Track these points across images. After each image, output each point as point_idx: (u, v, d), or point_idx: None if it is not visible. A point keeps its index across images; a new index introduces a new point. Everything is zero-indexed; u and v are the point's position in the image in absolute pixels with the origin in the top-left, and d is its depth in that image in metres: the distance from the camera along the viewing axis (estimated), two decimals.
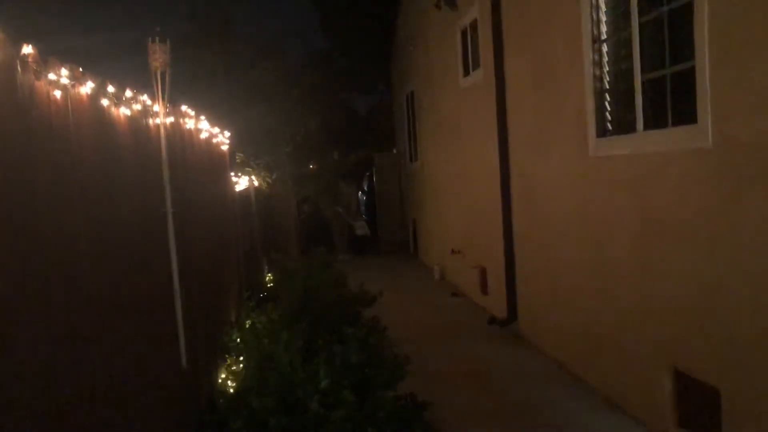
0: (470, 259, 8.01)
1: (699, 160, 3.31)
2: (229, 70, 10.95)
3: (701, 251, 3.33)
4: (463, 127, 8.07)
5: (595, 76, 4.43)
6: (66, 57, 2.16)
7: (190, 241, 3.99)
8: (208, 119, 5.02)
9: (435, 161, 10.23)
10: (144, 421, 2.67)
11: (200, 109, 4.70)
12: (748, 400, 3.04)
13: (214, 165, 5.64)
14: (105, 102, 2.44)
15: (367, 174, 15.26)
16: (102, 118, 2.46)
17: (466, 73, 7.85)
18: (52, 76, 1.91)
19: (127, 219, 2.74)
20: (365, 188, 15.68)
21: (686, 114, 3.43)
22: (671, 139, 3.58)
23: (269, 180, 11.17)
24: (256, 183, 10.84)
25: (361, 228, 13.72)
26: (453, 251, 8.88)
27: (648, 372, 3.90)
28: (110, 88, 2.49)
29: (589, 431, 4.03)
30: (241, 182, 8.72)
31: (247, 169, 10.45)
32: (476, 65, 7.34)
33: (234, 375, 4.75)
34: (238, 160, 10.37)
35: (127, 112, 2.71)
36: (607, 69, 4.39)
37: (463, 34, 7.87)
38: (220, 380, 4.67)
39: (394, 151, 14.63)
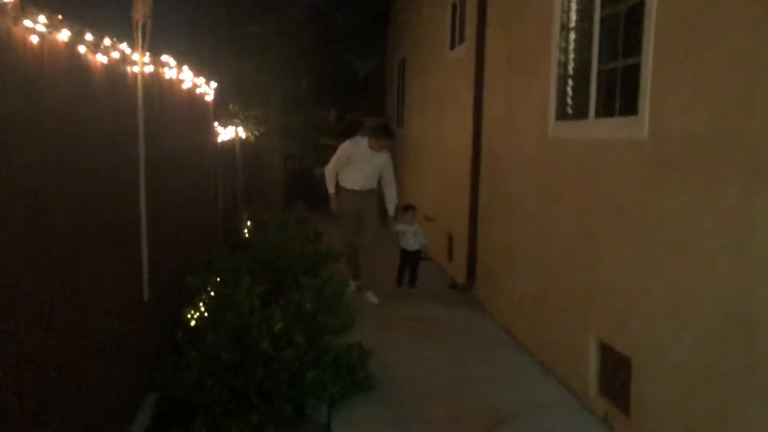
0: (441, 226, 8.30)
1: (636, 150, 3.57)
2: (231, 21, 11.06)
3: (627, 236, 3.63)
4: (444, 99, 8.28)
5: (559, 62, 4.65)
6: (53, 6, 2.37)
7: (161, 184, 4.23)
8: (192, 69, 5.20)
9: (418, 130, 10.43)
10: (102, 343, 2.96)
11: (199, 57, 4.88)
12: (651, 367, 3.37)
13: (195, 114, 5.84)
14: (82, 49, 2.66)
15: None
16: (78, 65, 2.68)
17: (452, 46, 8.02)
18: (28, 23, 2.13)
19: (100, 160, 2.98)
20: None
21: (632, 106, 3.68)
22: (616, 128, 3.84)
23: (257, 133, 11.35)
24: (243, 135, 11.02)
25: (415, 239, 7.22)
26: (426, 217, 9.15)
27: (577, 343, 4.23)
28: (88, 36, 2.70)
29: (517, 387, 4.37)
30: (226, 133, 8.92)
31: (236, 120, 10.61)
32: (462, 40, 7.51)
33: (199, 313, 5.05)
34: (231, 110, 10.53)
35: (104, 60, 2.93)
36: (572, 56, 4.61)
37: (453, 7, 8.02)
38: (187, 317, 4.96)
39: (383, 116, 14.76)
